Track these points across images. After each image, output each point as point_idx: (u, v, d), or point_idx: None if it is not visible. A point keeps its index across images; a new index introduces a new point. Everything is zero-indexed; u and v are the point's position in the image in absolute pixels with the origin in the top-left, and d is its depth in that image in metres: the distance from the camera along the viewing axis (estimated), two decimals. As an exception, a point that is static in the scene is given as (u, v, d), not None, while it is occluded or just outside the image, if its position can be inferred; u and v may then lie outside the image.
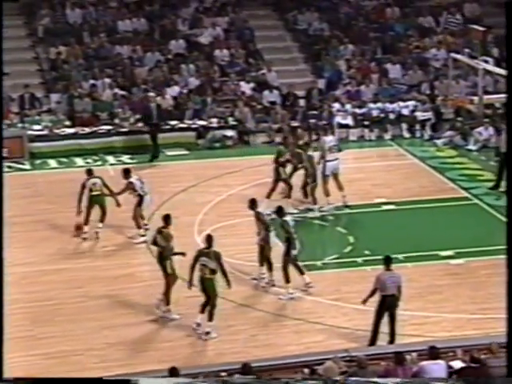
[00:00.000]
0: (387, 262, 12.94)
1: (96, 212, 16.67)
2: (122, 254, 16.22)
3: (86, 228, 16.65)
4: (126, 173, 16.67)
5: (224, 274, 13.23)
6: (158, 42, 25.73)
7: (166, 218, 13.98)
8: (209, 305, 13.17)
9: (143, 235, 16.40)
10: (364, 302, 13.00)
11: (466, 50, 23.17)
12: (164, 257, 13.72)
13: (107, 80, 23.94)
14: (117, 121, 22.75)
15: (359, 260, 15.54)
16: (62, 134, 21.99)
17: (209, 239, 13.31)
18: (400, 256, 15.49)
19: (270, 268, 14.74)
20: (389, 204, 18.44)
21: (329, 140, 18.30)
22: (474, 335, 12.90)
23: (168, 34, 25.94)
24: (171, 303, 13.73)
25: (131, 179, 16.55)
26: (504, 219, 17.07)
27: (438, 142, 22.66)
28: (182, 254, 13.84)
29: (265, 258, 14.69)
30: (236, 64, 25.25)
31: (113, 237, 16.79)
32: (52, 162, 21.31)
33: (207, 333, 13.16)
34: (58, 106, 23.18)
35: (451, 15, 27.11)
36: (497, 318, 13.04)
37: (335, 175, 18.12)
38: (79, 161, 21.53)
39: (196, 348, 13.02)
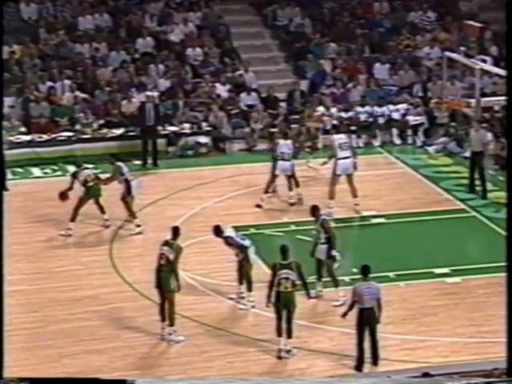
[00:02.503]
0: (365, 271, 13.06)
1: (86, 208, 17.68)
2: (84, 273, 16.17)
3: (71, 225, 17.52)
4: (113, 157, 18.05)
5: (305, 284, 13.51)
6: (123, 40, 25.73)
7: (175, 230, 14.19)
8: (289, 320, 13.31)
9: (139, 225, 17.52)
10: (343, 315, 13.16)
11: (462, 49, 23.33)
12: (171, 271, 13.78)
13: (67, 82, 23.90)
14: (78, 127, 22.72)
15: (346, 279, 15.53)
16: (17, 141, 21.90)
17: (285, 250, 13.43)
18: (391, 274, 15.57)
19: (250, 288, 14.78)
20: (378, 217, 18.52)
21: (338, 137, 18.71)
22: (472, 361, 12.94)
23: (134, 31, 25.96)
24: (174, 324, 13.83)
25: (118, 163, 17.72)
26: (504, 233, 17.23)
27: (432, 148, 22.80)
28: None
29: (245, 276, 14.76)
30: (210, 64, 25.30)
31: (76, 253, 16.87)
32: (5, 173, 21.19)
33: (288, 351, 13.30)
34: (11, 110, 23.07)
35: (422, 12, 27.30)
36: (497, 341, 13.14)
37: (349, 176, 18.53)
38: (36, 171, 21.49)
39: (169, 377, 12.98)
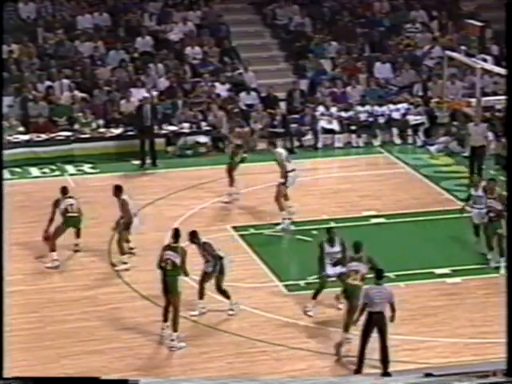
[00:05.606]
0: (378, 275, 13.10)
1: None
2: (82, 274, 16.20)
3: (55, 255, 16.36)
4: (119, 190, 16.37)
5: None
6: (122, 39, 25.75)
7: (176, 232, 13.98)
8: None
9: (125, 262, 16.27)
10: (355, 322, 13.16)
11: (463, 48, 23.38)
12: (178, 275, 13.70)
13: (65, 81, 23.93)
14: (76, 126, 22.75)
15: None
16: (15, 141, 21.93)
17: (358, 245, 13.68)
18: (391, 274, 15.56)
19: (228, 296, 14.55)
20: (378, 217, 18.54)
21: (280, 152, 18.32)
22: (472, 361, 12.99)
23: (133, 30, 25.99)
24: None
25: (124, 197, 16.29)
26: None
27: (433, 148, 22.84)
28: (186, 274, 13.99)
29: (217, 287, 14.46)
30: (209, 63, 25.34)
31: (74, 256, 16.85)
32: (4, 173, 21.19)
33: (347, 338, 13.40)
34: (10, 110, 23.11)
35: (411, 24, 27.26)
36: (497, 342, 13.14)
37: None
38: (34, 171, 21.52)
39: (168, 377, 13.03)
